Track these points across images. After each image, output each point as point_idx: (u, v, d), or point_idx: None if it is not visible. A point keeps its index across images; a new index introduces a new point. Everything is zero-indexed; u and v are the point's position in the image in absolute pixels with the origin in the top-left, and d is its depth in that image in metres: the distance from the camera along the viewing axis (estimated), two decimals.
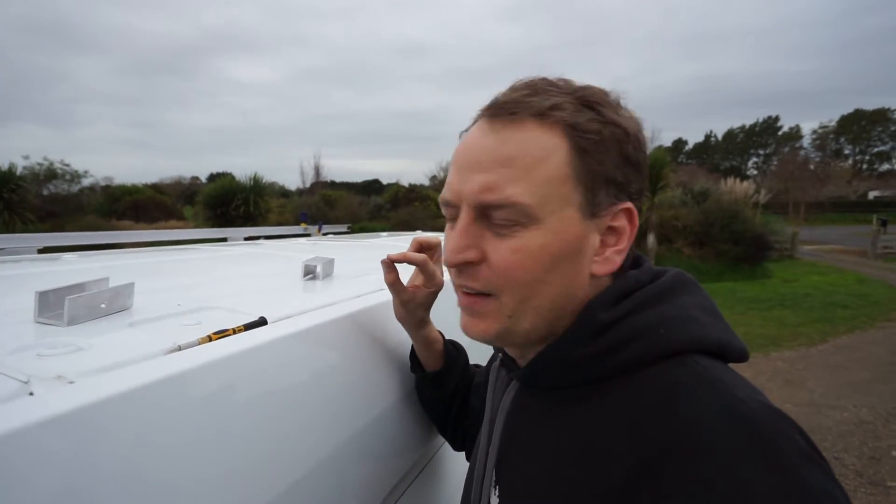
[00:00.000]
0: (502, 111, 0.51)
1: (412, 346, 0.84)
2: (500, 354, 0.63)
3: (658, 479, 0.40)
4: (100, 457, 0.40)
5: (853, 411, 4.18)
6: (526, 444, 0.55)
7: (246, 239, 2.10)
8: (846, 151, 66.80)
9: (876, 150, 66.54)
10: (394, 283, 0.74)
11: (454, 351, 0.85)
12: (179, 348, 0.55)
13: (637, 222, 0.52)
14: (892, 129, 64.64)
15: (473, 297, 0.54)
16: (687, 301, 0.52)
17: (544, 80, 0.53)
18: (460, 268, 0.53)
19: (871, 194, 47.79)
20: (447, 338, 0.86)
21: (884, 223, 18.04)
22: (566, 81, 0.53)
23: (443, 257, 0.55)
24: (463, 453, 1.03)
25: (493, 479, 0.58)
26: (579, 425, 0.49)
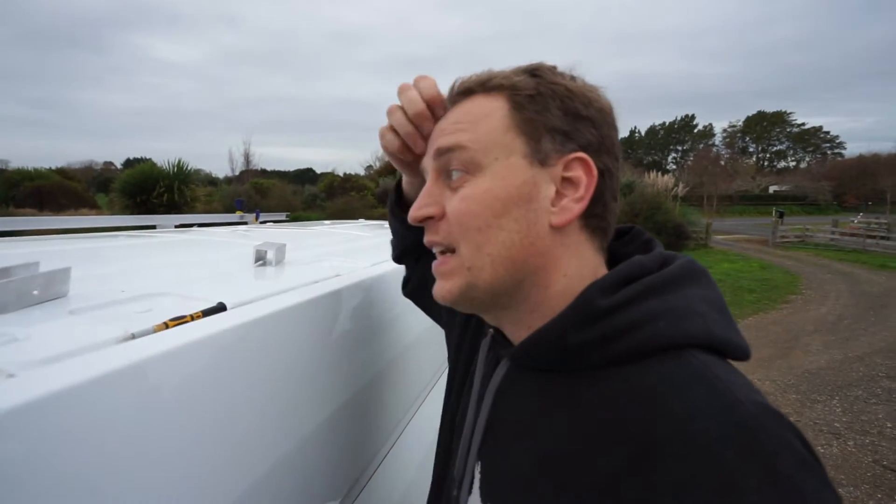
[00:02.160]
0: (458, 91, 0.57)
1: (399, 179, 0.79)
2: (490, 330, 0.61)
3: (645, 477, 0.39)
4: (52, 456, 0.37)
5: (758, 384, 4.64)
6: (513, 423, 0.54)
7: (177, 227, 1.96)
8: (751, 149, 73.27)
9: (775, 148, 73.58)
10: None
11: None
12: (133, 336, 0.50)
13: (595, 174, 0.51)
14: (789, 130, 71.65)
15: (440, 258, 0.56)
16: (693, 293, 0.49)
17: (513, 67, 0.56)
18: (426, 225, 0.57)
19: (772, 188, 52.83)
20: None
21: (781, 215, 20.06)
22: (521, 66, 0.56)
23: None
24: (426, 437, 1.04)
25: (477, 455, 0.58)
26: (568, 413, 0.48)
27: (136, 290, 0.69)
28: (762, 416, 0.39)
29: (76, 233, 1.58)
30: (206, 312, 0.60)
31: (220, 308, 0.63)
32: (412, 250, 0.84)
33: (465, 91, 0.56)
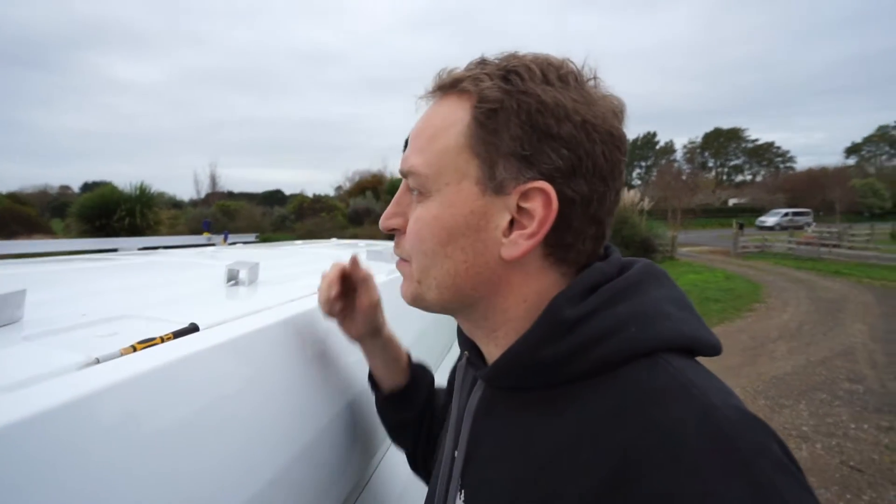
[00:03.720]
0: (436, 88, 0.53)
1: (370, 369, 0.80)
2: (465, 353, 0.60)
3: (628, 492, 0.38)
4: (11, 492, 0.33)
5: None
6: (492, 447, 0.52)
7: (140, 249, 1.88)
8: (710, 164, 76.33)
9: (732, 163, 76.87)
10: (367, 277, 0.73)
11: (420, 366, 0.82)
12: (98, 361, 0.47)
13: (555, 206, 0.46)
14: (744, 145, 75.16)
15: (400, 260, 0.57)
16: (658, 294, 0.48)
17: (504, 55, 0.51)
18: (395, 236, 0.56)
19: (731, 201, 55.05)
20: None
21: (741, 226, 20.87)
22: (513, 56, 0.50)
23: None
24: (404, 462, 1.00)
25: (459, 484, 0.55)
26: (547, 430, 0.46)
27: (100, 314, 0.65)
28: (740, 422, 0.38)
29: (31, 257, 1.50)
30: (178, 334, 0.57)
31: (193, 329, 0.60)
32: (421, 444, 0.81)
33: (441, 87, 0.52)
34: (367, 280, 0.73)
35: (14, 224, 17.63)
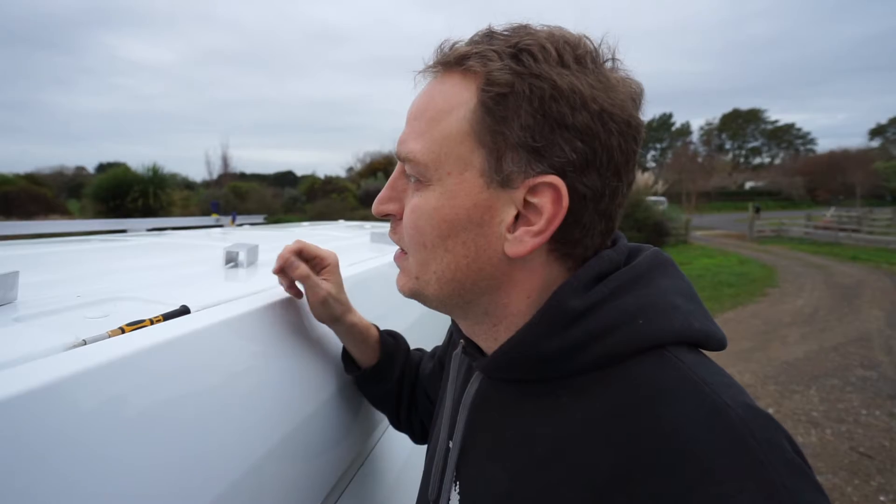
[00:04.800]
0: (432, 65, 0.49)
1: (343, 347, 0.79)
2: (461, 341, 0.57)
3: (634, 491, 0.36)
4: None
5: (739, 377, 4.71)
6: (489, 440, 0.51)
7: (149, 231, 1.90)
8: (727, 146, 74.76)
9: (750, 145, 75.21)
10: (308, 275, 0.70)
11: (391, 340, 0.81)
12: (84, 342, 0.47)
13: (566, 203, 0.43)
14: (763, 127, 73.37)
15: (399, 252, 0.54)
16: (666, 285, 0.46)
17: (512, 27, 0.46)
18: (390, 220, 0.54)
19: (748, 184, 54.09)
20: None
21: (757, 210, 20.53)
22: (523, 29, 0.46)
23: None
24: (403, 447, 1.01)
25: (454, 475, 0.54)
26: (547, 425, 0.45)
27: (95, 295, 0.65)
28: (752, 420, 0.37)
29: (41, 238, 1.52)
30: (168, 316, 0.57)
31: (183, 311, 0.60)
32: (404, 410, 0.81)
33: (444, 63, 0.47)
34: (307, 279, 0.70)
35: (31, 204, 17.95)
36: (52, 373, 0.39)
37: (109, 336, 0.49)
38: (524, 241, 0.45)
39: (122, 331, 0.51)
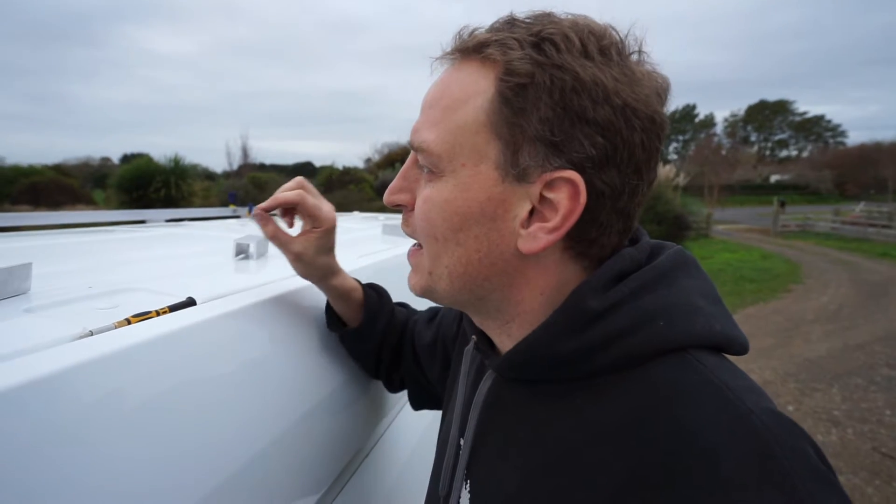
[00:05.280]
0: (449, 52, 0.47)
1: (327, 301, 0.77)
2: (473, 337, 0.56)
3: (651, 497, 0.36)
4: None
5: (759, 373, 4.62)
6: (502, 440, 0.50)
7: (167, 221, 1.94)
8: (752, 138, 72.88)
9: (777, 137, 73.17)
10: (274, 234, 0.68)
11: (375, 297, 0.79)
12: (91, 333, 0.48)
13: (583, 199, 0.41)
14: (791, 119, 71.26)
15: (415, 249, 0.53)
16: (688, 285, 0.45)
17: (534, 14, 0.45)
18: (403, 211, 0.52)
19: (773, 178, 52.67)
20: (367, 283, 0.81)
21: (783, 204, 20.00)
22: (546, 16, 0.44)
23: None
24: (408, 439, 1.01)
25: (465, 473, 0.54)
26: (562, 427, 0.44)
27: (106, 286, 0.67)
28: (776, 427, 0.35)
29: (63, 228, 1.56)
30: (174, 308, 0.58)
31: (190, 303, 0.61)
32: (384, 368, 0.81)
33: (462, 49, 0.46)
34: (274, 238, 0.68)
35: (58, 195, 18.48)
36: (57, 363, 0.41)
37: (116, 327, 0.50)
38: (538, 237, 0.43)
39: (129, 322, 0.52)
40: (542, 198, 0.43)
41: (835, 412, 3.85)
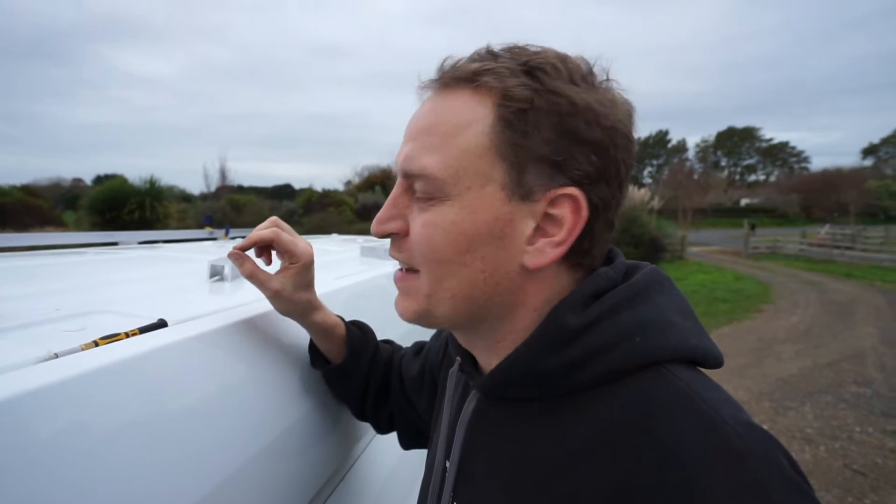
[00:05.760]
0: (437, 80, 0.49)
1: (311, 340, 0.77)
2: (457, 358, 0.58)
3: None
4: None
5: (733, 393, 4.63)
6: (487, 460, 0.50)
7: (141, 243, 1.90)
8: (722, 163, 75.40)
9: (745, 162, 75.89)
10: (252, 273, 0.66)
11: (358, 334, 0.78)
12: (56, 356, 0.47)
13: (585, 213, 0.45)
14: (758, 145, 74.14)
15: (403, 273, 0.52)
16: (663, 302, 0.47)
17: (508, 47, 0.48)
18: (391, 238, 0.52)
19: (743, 201, 54.47)
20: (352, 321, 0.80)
21: (753, 227, 20.68)
22: (523, 49, 0.47)
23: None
24: (386, 462, 1.00)
25: (451, 496, 0.54)
26: (545, 444, 0.45)
27: (74, 308, 0.66)
28: (750, 438, 0.37)
29: (31, 251, 1.52)
30: (144, 329, 0.57)
31: (161, 325, 0.60)
32: (370, 406, 0.80)
33: (455, 78, 0.47)
34: (252, 278, 0.67)
35: (26, 216, 17.92)
36: (19, 386, 0.40)
37: (82, 349, 0.49)
38: (545, 251, 0.46)
39: (96, 344, 0.51)
40: (544, 215, 0.46)
41: (808, 430, 3.92)
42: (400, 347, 0.87)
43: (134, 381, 0.49)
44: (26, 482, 0.38)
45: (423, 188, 0.47)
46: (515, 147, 0.44)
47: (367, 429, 0.97)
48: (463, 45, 0.50)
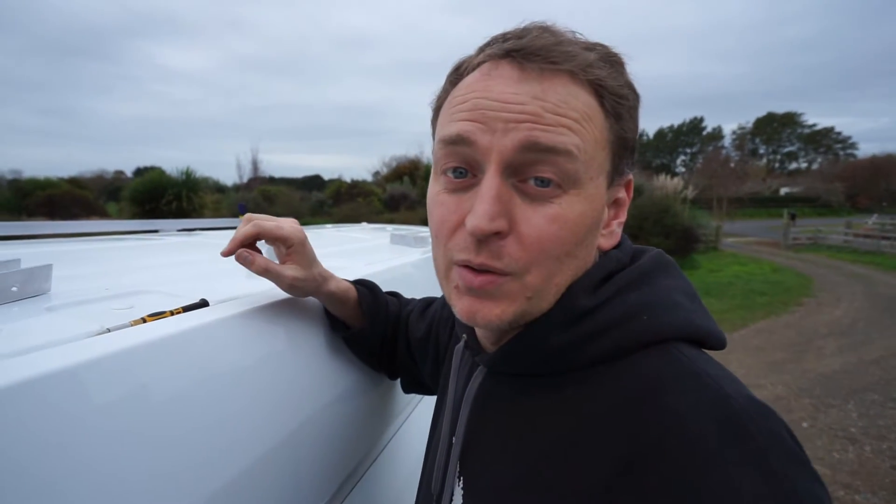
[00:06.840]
0: (537, 57, 0.43)
1: (324, 307, 0.77)
2: (463, 336, 0.58)
3: (641, 479, 0.37)
4: (17, 449, 0.35)
5: (770, 389, 4.55)
6: (494, 435, 0.51)
7: (180, 231, 1.97)
8: (761, 151, 72.66)
9: (785, 150, 72.90)
10: (266, 267, 0.65)
11: (368, 295, 0.78)
12: (108, 330, 0.49)
13: (631, 193, 0.50)
14: (799, 131, 70.99)
15: (489, 276, 0.44)
16: (669, 284, 0.48)
17: (565, 30, 0.46)
18: (481, 243, 0.43)
19: (783, 190, 52.31)
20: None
21: (793, 217, 19.85)
22: (574, 33, 0.47)
23: (469, 223, 0.43)
24: (420, 443, 1.01)
25: (458, 470, 0.54)
26: (552, 418, 0.45)
27: (122, 289, 0.68)
28: (753, 410, 0.38)
29: (79, 237, 1.59)
30: (187, 308, 0.59)
31: (203, 304, 0.62)
32: (385, 360, 0.82)
33: (554, 62, 0.42)
34: (266, 273, 0.66)
35: (73, 207, 18.88)
36: (76, 357, 0.42)
37: (131, 325, 0.51)
38: (615, 232, 0.50)
39: (144, 321, 0.53)
40: (616, 198, 0.50)
41: (851, 429, 3.77)
42: (407, 301, 0.88)
43: (179, 355, 0.51)
44: (87, 443, 0.40)
45: (556, 169, 0.42)
46: (621, 140, 0.47)
47: (402, 408, 0.99)
48: (490, 31, 0.47)
